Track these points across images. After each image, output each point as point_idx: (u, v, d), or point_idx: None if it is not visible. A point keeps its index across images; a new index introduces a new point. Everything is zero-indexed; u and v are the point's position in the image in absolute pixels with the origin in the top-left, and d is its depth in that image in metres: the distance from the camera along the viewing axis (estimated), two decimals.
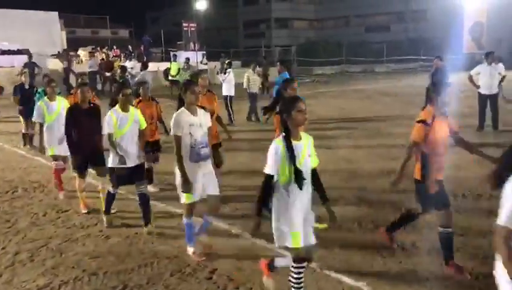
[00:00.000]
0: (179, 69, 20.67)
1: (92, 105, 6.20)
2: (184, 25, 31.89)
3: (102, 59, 24.33)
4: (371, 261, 4.70)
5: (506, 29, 44.85)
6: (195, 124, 4.62)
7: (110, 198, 5.80)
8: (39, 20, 32.06)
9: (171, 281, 4.35)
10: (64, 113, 6.30)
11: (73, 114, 5.99)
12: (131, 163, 5.51)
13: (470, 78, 11.68)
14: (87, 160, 6.15)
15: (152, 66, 27.93)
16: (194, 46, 30.72)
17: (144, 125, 5.83)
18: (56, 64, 26.31)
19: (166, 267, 4.65)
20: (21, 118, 10.70)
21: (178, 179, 4.66)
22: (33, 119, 7.19)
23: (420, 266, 4.56)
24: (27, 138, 10.74)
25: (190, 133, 4.58)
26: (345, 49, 42.36)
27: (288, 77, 10.85)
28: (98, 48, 28.71)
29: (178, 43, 32.58)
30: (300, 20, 62.54)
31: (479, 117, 11.57)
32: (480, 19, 40.72)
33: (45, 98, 7.14)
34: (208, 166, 4.79)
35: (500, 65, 11.48)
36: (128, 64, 20.02)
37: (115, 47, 30.98)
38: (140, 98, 7.08)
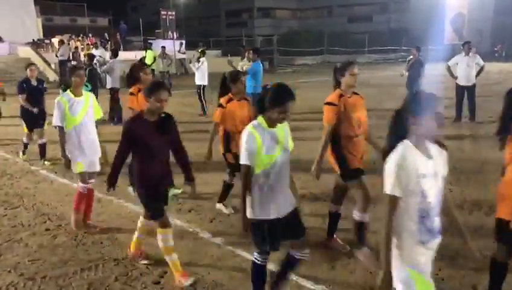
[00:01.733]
0: (154, 58, 20.10)
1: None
2: (162, 13, 31.16)
3: (76, 48, 23.57)
4: (333, 262, 4.40)
5: (487, 20, 45.12)
6: None
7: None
8: (12, 6, 30.96)
9: (115, 287, 4.00)
10: (93, 113, 5.25)
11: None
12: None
13: (448, 69, 11.46)
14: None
15: (129, 54, 27.37)
16: (173, 34, 30.08)
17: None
18: (27, 53, 25.55)
19: (111, 270, 4.28)
20: (23, 125, 8.33)
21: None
22: (53, 123, 5.05)
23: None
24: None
25: None
26: (327, 39, 41.97)
27: (260, 65, 10.52)
28: (73, 36, 27.89)
29: (156, 31, 31.86)
30: (283, 9, 62.12)
31: (456, 108, 11.38)
32: (461, 10, 40.72)
33: (68, 92, 5.16)
34: None
35: (478, 56, 11.27)
36: (96, 52, 19.39)
37: (90, 35, 30.16)
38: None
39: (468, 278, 4.06)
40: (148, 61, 20.06)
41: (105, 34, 30.58)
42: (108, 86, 12.21)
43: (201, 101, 13.16)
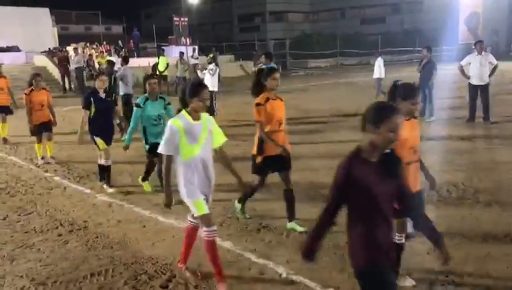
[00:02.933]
0: (167, 64, 20.28)
1: None
2: (175, 19, 31.40)
3: (90, 55, 23.90)
4: (341, 264, 4.37)
5: (503, 19, 44.52)
6: None
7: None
8: (30, 17, 31.54)
9: None
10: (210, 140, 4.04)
11: None
12: None
13: (460, 69, 11.33)
14: None
15: (143, 61, 27.63)
16: (186, 40, 30.28)
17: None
18: (43, 62, 25.95)
19: (121, 274, 4.32)
20: (96, 142, 6.99)
21: None
22: (162, 151, 3.95)
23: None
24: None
25: None
26: (340, 41, 41.83)
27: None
28: (88, 44, 28.27)
29: (169, 37, 32.12)
30: (296, 12, 62.08)
31: (470, 108, 11.24)
32: (476, 9, 40.33)
33: (183, 112, 3.95)
34: None
35: (491, 55, 11.13)
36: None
37: (105, 42, 30.54)
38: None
39: (480, 281, 4.00)
40: (161, 67, 20.31)
41: (119, 42, 30.93)
42: (121, 92, 12.30)
43: (211, 107, 13.09)
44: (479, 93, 11.08)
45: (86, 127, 7.02)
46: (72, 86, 22.72)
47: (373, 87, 17.12)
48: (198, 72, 14.49)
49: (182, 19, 32.10)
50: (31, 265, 4.58)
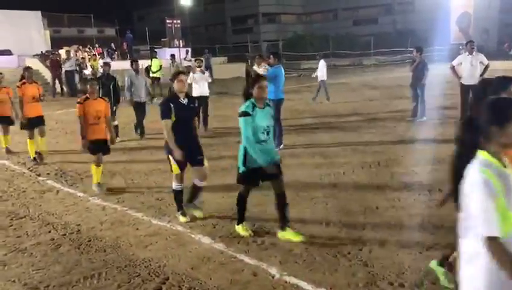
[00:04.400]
0: (160, 66, 20.29)
1: None
2: (168, 21, 31.42)
3: (83, 58, 23.81)
4: (335, 264, 4.39)
5: (494, 19, 44.81)
6: None
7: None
8: (21, 20, 31.32)
9: None
10: None
11: None
12: None
13: (452, 68, 11.40)
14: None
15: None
16: (179, 43, 30.28)
17: None
18: (35, 65, 25.81)
19: (114, 278, 4.31)
20: (173, 162, 5.54)
21: None
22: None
23: (391, 268, 4.24)
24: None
25: None
26: (332, 42, 41.98)
27: (282, 69, 9.58)
28: (80, 47, 28.16)
29: (162, 40, 32.10)
30: (288, 14, 62.23)
31: (461, 108, 11.29)
32: (467, 9, 40.54)
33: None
34: None
35: (481, 55, 11.20)
36: (102, 62, 19.93)
37: (97, 45, 30.45)
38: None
39: None
40: (154, 68, 20.31)
41: (112, 44, 30.84)
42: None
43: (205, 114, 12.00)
44: (470, 92, 11.14)
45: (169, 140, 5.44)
46: (65, 89, 22.62)
47: (369, 87, 17.14)
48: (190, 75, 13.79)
49: (175, 21, 32.12)
50: (23, 269, 4.56)
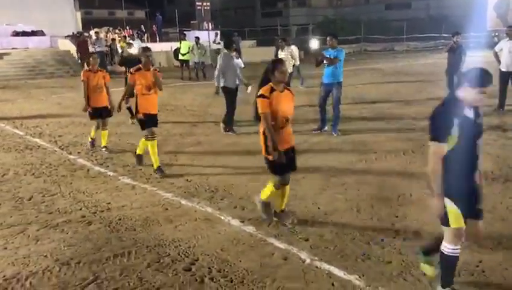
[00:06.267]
0: (188, 48, 20.24)
1: None
2: (197, 4, 31.25)
3: (113, 39, 23.99)
4: (367, 252, 4.27)
5: None
6: None
7: None
8: (54, 2, 31.80)
9: (146, 273, 4.00)
10: None
11: None
12: None
13: (495, 55, 11.04)
14: None
15: (165, 45, 27.65)
16: (208, 25, 30.15)
17: None
18: (67, 46, 26.19)
19: (144, 257, 4.30)
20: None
21: None
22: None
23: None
24: None
25: None
26: (364, 27, 41.12)
27: (342, 52, 9.02)
28: (111, 29, 28.39)
29: (191, 22, 32.05)
30: None
31: (499, 96, 10.90)
32: None
33: None
34: None
35: None
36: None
37: (127, 27, 30.63)
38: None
39: (511, 271, 3.86)
40: (183, 51, 20.29)
41: (142, 26, 30.97)
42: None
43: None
44: (509, 80, 10.75)
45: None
46: None
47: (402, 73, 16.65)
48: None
49: (205, 3, 31.91)
50: (55, 245, 4.60)
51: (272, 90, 4.56)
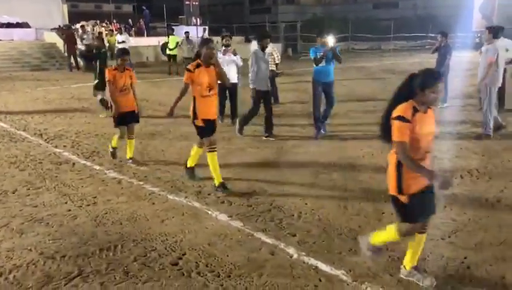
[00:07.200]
0: (177, 43, 20.13)
1: None
2: None
3: (100, 33, 23.70)
4: (354, 247, 4.29)
5: None
6: None
7: None
8: None
9: (132, 267, 3.98)
10: None
11: None
12: None
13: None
14: None
15: (153, 40, 27.47)
16: (196, 21, 30.02)
17: None
18: (53, 39, 25.86)
19: (130, 251, 4.27)
20: None
21: None
22: None
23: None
24: None
25: None
26: (352, 25, 41.26)
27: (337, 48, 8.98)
28: (98, 22, 28.10)
29: (179, 17, 31.87)
30: None
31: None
32: None
33: None
34: None
35: (507, 41, 10.84)
36: (120, 37, 19.93)
37: (114, 21, 30.34)
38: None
39: (495, 267, 3.91)
40: (171, 46, 20.18)
41: (129, 20, 30.71)
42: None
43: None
44: None
45: None
46: (80, 64, 22.59)
47: (387, 71, 16.75)
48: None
49: None
50: (40, 239, 4.55)
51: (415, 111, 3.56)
